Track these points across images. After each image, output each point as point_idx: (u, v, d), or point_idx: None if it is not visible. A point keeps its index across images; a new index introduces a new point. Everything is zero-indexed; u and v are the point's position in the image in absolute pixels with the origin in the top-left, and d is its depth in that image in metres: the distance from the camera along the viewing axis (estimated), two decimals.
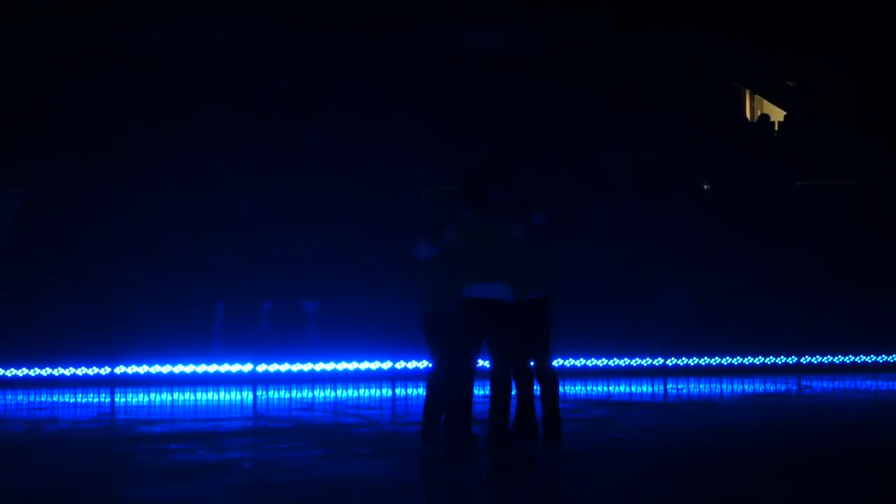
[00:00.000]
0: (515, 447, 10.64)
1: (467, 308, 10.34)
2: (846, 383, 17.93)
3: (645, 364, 19.31)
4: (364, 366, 19.04)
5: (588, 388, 17.60)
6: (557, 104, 22.71)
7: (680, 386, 17.95)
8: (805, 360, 19.33)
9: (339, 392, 17.66)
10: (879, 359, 19.36)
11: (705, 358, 19.35)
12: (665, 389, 17.43)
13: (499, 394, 10.37)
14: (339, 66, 23.04)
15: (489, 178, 10.87)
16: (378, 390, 17.83)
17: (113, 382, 18.68)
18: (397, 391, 17.70)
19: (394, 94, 22.79)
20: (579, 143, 22.42)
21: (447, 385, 10.59)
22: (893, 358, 19.40)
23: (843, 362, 19.31)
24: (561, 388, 11.43)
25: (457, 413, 10.53)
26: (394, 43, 22.85)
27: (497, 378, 10.43)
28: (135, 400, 16.92)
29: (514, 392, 10.71)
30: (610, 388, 17.75)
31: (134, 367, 18.75)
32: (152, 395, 17.36)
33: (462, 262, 10.42)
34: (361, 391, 17.75)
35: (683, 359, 19.26)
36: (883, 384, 17.88)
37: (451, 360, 10.57)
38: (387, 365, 19.05)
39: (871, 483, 9.39)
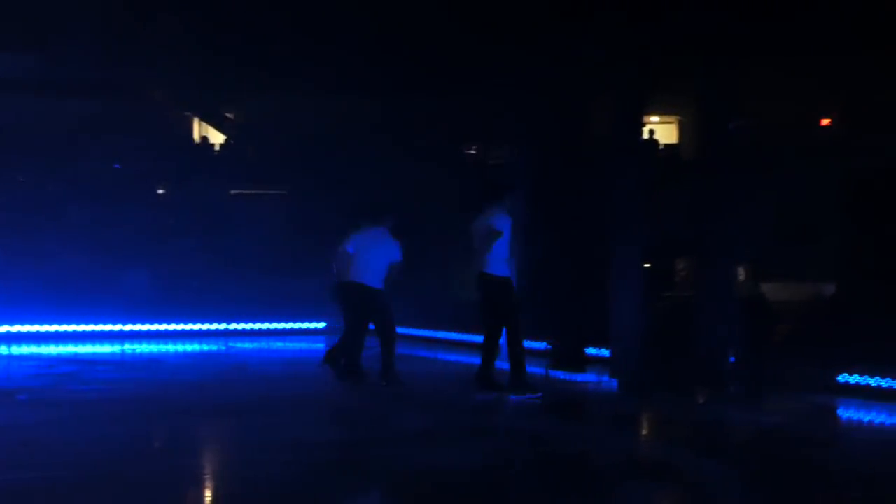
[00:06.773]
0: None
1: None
2: (262, 344, 18.68)
3: (107, 329, 19.15)
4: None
5: (59, 348, 17.19)
6: (51, 120, 22.03)
7: (136, 347, 17.97)
8: (232, 326, 20.02)
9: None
10: (287, 326, 20.39)
11: (157, 324, 19.49)
12: (123, 350, 17.39)
13: None
14: None
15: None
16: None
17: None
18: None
19: None
20: (67, 152, 22.00)
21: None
22: (297, 325, 20.45)
23: (261, 329, 20.20)
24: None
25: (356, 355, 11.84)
26: None
27: None
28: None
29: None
30: (77, 349, 17.43)
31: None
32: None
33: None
34: None
35: (139, 324, 19.28)
36: (300, 343, 18.77)
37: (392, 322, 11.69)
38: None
39: (306, 418, 10.00)
